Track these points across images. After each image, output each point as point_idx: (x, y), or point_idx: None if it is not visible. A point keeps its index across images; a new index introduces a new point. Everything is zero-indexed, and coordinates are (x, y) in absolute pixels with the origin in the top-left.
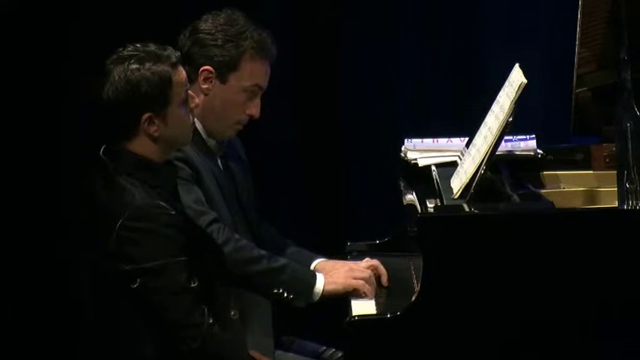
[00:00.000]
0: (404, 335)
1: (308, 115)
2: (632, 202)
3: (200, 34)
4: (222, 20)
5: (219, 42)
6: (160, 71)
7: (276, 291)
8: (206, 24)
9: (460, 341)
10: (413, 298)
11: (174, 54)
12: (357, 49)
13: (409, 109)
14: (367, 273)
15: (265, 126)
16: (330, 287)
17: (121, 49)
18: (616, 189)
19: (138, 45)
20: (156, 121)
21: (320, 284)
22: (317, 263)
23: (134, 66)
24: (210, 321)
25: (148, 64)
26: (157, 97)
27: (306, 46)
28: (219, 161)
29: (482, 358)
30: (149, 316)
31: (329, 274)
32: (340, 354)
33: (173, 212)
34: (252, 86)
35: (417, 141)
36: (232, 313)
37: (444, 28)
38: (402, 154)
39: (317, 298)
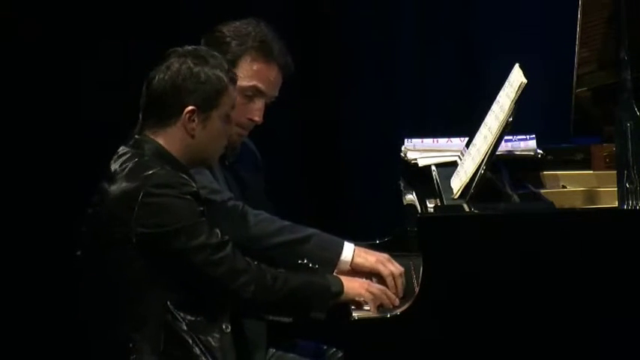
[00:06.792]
0: (404, 335)
1: (308, 115)
2: (632, 202)
3: (216, 33)
4: (239, 24)
5: (227, 39)
6: (220, 76)
7: (300, 262)
8: (226, 26)
9: (460, 341)
10: (413, 298)
11: (235, 75)
12: (357, 49)
13: (409, 109)
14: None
15: (265, 126)
16: (359, 260)
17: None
18: (616, 189)
19: (205, 48)
20: (196, 120)
21: (349, 252)
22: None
23: (197, 61)
24: (255, 262)
25: (210, 66)
26: (208, 95)
27: (306, 46)
28: (226, 162)
29: (482, 358)
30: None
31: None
32: (340, 354)
33: (195, 188)
34: (250, 87)
35: (417, 141)
36: (224, 326)
37: (444, 28)
38: (402, 154)
39: (347, 267)
